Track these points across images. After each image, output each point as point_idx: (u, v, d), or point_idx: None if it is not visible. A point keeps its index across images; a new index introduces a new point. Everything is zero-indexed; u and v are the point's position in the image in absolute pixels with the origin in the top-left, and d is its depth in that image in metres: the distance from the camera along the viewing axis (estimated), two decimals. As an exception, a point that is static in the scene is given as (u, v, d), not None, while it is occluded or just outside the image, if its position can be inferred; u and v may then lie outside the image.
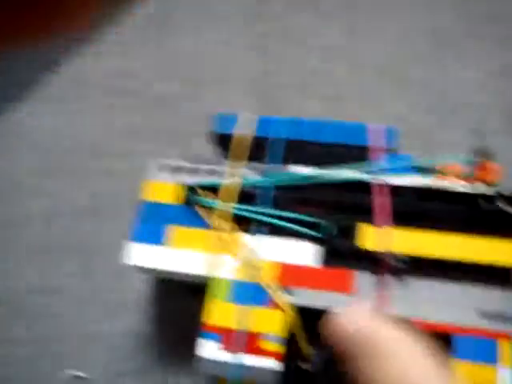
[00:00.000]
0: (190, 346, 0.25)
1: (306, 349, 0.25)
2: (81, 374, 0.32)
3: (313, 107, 0.37)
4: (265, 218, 0.27)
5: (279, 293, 0.26)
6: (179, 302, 0.31)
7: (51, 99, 0.39)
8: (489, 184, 0.27)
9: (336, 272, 0.26)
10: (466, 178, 0.27)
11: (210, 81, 0.39)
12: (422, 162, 0.29)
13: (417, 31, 0.40)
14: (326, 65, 0.39)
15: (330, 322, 0.21)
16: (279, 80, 0.39)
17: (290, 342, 0.26)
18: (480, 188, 0.27)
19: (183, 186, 0.28)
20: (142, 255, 0.27)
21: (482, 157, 0.26)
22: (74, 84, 0.39)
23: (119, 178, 0.36)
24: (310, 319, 0.25)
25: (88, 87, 0.39)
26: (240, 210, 0.27)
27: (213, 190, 0.28)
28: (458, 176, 0.27)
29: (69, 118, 0.38)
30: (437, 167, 0.28)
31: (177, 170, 0.29)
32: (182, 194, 0.28)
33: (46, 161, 0.37)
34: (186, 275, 0.27)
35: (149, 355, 0.32)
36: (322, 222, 0.27)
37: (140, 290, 0.33)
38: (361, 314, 0.21)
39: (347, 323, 0.20)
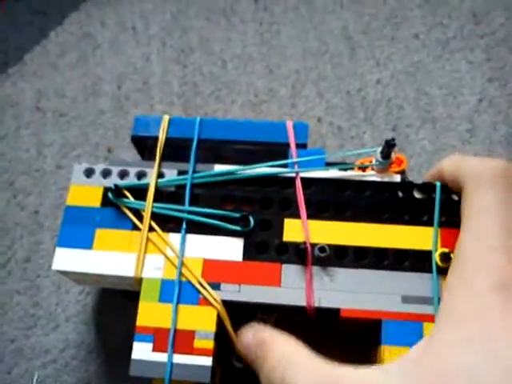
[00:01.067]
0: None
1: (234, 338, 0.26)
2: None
3: (233, 114, 0.39)
4: (187, 216, 0.27)
5: (208, 289, 0.26)
6: (120, 311, 0.31)
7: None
8: (399, 174, 0.28)
9: (262, 265, 0.26)
10: (380, 169, 0.28)
11: (134, 95, 0.40)
12: (338, 155, 0.30)
13: (330, 34, 0.41)
14: (243, 73, 0.40)
15: (238, 337, 0.25)
16: (200, 90, 0.40)
17: (222, 338, 0.26)
18: (394, 178, 0.28)
19: (107, 188, 0.28)
20: (70, 260, 0.27)
21: (387, 148, 0.26)
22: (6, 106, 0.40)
23: (56, 192, 0.37)
24: (240, 314, 0.26)
25: (19, 108, 0.40)
26: (163, 209, 0.28)
27: (139, 191, 0.28)
28: (373, 168, 0.28)
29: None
30: (354, 161, 0.29)
31: (101, 173, 0.29)
32: (107, 196, 0.28)
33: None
34: (114, 277, 0.27)
35: (92, 366, 0.32)
36: (240, 215, 0.27)
37: (81, 302, 0.33)
38: (255, 327, 0.25)
39: (247, 335, 0.25)
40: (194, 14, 0.42)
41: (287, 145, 0.29)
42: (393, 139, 0.26)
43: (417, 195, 0.27)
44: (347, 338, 0.30)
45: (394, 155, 0.27)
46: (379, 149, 0.27)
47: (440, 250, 0.25)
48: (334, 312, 0.25)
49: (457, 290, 0.21)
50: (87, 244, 0.27)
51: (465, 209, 0.24)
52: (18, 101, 0.40)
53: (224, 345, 0.27)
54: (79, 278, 0.28)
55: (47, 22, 0.43)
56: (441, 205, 0.26)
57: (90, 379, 0.31)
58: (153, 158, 0.29)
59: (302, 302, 0.25)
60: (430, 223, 0.26)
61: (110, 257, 0.27)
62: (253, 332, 0.25)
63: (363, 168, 0.28)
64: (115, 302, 0.33)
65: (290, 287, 0.26)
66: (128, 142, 0.38)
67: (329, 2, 0.41)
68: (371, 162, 0.28)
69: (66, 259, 0.27)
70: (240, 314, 0.26)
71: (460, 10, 0.41)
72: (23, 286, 0.34)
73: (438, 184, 0.27)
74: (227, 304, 0.26)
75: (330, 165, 0.29)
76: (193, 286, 0.26)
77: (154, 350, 0.25)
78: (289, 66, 0.40)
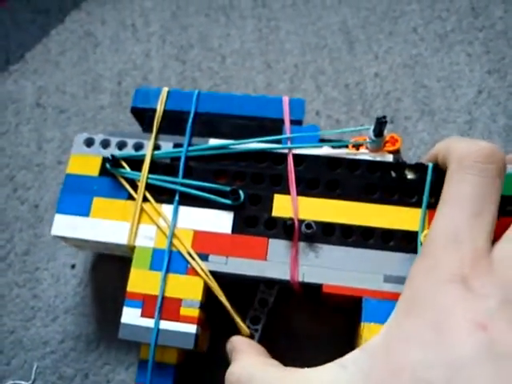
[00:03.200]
0: (131, 343, 0.26)
1: (233, 313, 0.26)
2: (21, 382, 0.31)
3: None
4: (179, 188, 0.28)
5: (197, 260, 0.26)
6: (119, 303, 0.31)
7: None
8: (394, 153, 0.28)
9: (250, 239, 0.27)
10: (374, 148, 0.28)
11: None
12: (332, 133, 0.30)
13: (328, 29, 0.41)
14: (242, 68, 0.40)
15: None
16: (199, 85, 0.40)
17: (211, 308, 0.27)
18: (386, 157, 0.28)
19: (105, 158, 0.29)
20: (68, 226, 0.28)
21: (379, 125, 0.26)
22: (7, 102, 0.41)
23: (56, 186, 0.37)
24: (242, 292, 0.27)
25: (20, 104, 0.40)
26: (157, 180, 0.28)
27: (136, 162, 0.29)
28: (367, 146, 0.28)
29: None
30: (348, 139, 0.29)
31: (101, 143, 0.30)
32: (105, 166, 0.29)
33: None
34: (109, 244, 0.28)
35: (91, 357, 0.32)
36: (230, 189, 0.27)
37: (80, 294, 0.33)
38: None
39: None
40: (194, 11, 0.43)
41: (283, 120, 0.29)
42: (384, 117, 0.26)
43: (409, 175, 0.27)
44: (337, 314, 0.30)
45: (386, 134, 0.27)
46: (372, 127, 0.27)
47: (426, 230, 0.25)
48: (318, 287, 0.26)
49: (417, 280, 0.21)
50: (85, 211, 0.28)
51: (443, 193, 0.23)
52: (19, 97, 0.40)
53: (213, 314, 0.28)
54: (77, 243, 0.29)
55: (49, 21, 0.43)
56: (431, 186, 0.26)
57: (88, 370, 0.31)
58: (151, 130, 0.30)
59: (287, 277, 0.26)
60: (419, 204, 0.26)
61: (106, 225, 0.28)
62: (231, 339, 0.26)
63: (357, 146, 0.28)
64: (113, 294, 0.33)
65: (276, 261, 0.26)
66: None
67: (327, -3, 0.42)
68: (365, 140, 0.28)
69: (65, 225, 0.28)
70: (242, 291, 0.27)
71: (458, 4, 0.41)
72: (23, 278, 0.34)
73: (430, 165, 0.27)
74: (216, 275, 0.26)
75: (323, 141, 0.29)
76: (182, 255, 0.27)
77: (142, 315, 0.26)
78: (287, 60, 0.40)
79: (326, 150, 0.28)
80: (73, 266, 0.34)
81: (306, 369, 0.21)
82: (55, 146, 0.38)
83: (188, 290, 0.26)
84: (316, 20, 0.41)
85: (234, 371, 0.23)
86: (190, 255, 0.27)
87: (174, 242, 0.27)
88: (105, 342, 0.32)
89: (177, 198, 0.28)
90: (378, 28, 0.40)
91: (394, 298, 0.24)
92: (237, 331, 0.27)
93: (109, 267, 0.33)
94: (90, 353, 0.32)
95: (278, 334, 0.31)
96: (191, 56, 0.41)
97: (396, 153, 0.28)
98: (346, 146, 0.28)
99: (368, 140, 0.28)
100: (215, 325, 0.29)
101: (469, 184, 0.22)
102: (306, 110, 0.37)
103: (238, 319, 0.26)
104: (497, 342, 0.18)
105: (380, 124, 0.26)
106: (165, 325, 0.26)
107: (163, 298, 0.26)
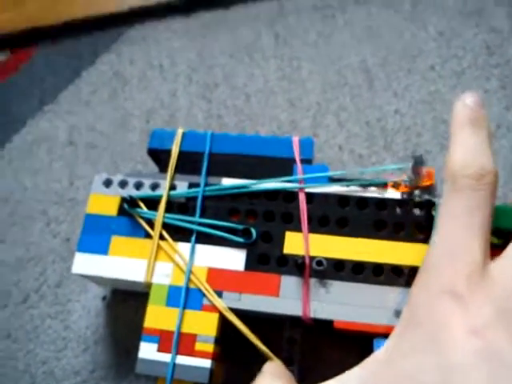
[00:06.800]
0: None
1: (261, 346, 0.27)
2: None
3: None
4: (196, 227, 0.29)
5: (214, 296, 0.27)
6: None
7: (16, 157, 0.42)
8: (423, 188, 0.28)
9: (262, 276, 0.28)
10: (413, 184, 0.29)
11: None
12: (342, 174, 0.31)
13: (349, 68, 0.42)
14: (266, 106, 0.42)
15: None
16: (225, 122, 0.41)
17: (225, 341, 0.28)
18: (394, 195, 0.29)
19: (123, 198, 0.30)
20: (88, 264, 0.29)
21: (416, 164, 0.28)
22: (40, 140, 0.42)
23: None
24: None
25: (53, 142, 0.42)
26: (173, 219, 0.29)
27: (152, 202, 0.30)
28: (406, 185, 0.29)
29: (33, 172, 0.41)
30: (371, 177, 0.30)
31: (119, 184, 0.31)
32: (123, 206, 0.30)
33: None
34: (128, 282, 0.29)
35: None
36: (243, 228, 0.28)
37: (110, 326, 0.34)
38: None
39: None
40: (219, 52, 0.44)
41: (293, 160, 0.30)
42: (420, 155, 0.28)
43: (416, 212, 0.28)
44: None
45: (424, 170, 0.28)
46: (397, 165, 0.28)
47: None
48: (329, 322, 0.27)
49: (415, 295, 0.22)
50: (103, 250, 0.29)
51: (440, 208, 0.24)
52: (52, 135, 0.42)
53: (229, 346, 0.29)
54: (97, 280, 0.31)
55: (81, 64, 0.45)
56: None
57: (117, 400, 0.32)
58: (166, 170, 0.31)
59: (299, 313, 0.27)
60: (427, 240, 0.27)
61: (124, 262, 0.29)
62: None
63: (397, 185, 0.29)
64: (143, 325, 0.33)
65: (288, 298, 0.27)
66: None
67: (346, 37, 0.43)
68: (392, 177, 0.29)
69: (84, 263, 0.29)
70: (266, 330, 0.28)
71: (473, 43, 0.42)
72: (55, 310, 0.35)
73: (437, 201, 0.28)
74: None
75: (341, 181, 0.30)
76: (198, 292, 0.28)
77: (158, 350, 0.27)
78: (310, 98, 0.42)
79: (335, 188, 0.29)
80: (104, 298, 0.35)
81: None
82: (86, 182, 0.40)
83: (203, 325, 0.27)
84: (336, 59, 0.43)
85: None
86: (207, 292, 0.28)
87: (189, 279, 0.28)
88: (134, 372, 0.32)
89: (194, 237, 0.29)
90: (396, 66, 0.42)
91: None
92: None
93: (138, 299, 0.34)
94: (120, 382, 0.32)
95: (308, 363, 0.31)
96: (217, 94, 0.43)
97: (431, 187, 0.28)
98: (371, 185, 0.29)
99: (406, 178, 0.29)
100: (232, 357, 0.29)
101: (464, 200, 0.23)
102: (329, 145, 0.39)
103: (265, 349, 0.27)
104: (491, 348, 0.19)
105: (419, 163, 0.28)
106: (180, 359, 0.27)
107: (180, 333, 0.27)
